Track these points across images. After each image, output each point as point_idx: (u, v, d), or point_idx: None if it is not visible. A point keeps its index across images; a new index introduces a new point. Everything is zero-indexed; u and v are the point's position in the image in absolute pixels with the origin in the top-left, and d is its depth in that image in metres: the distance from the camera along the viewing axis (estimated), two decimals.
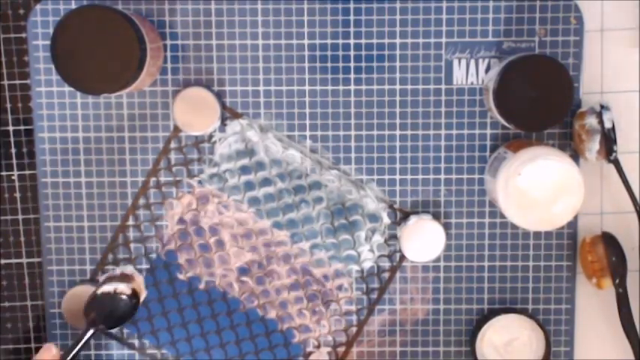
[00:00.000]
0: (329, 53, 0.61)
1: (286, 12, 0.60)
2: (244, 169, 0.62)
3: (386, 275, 0.62)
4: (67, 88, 0.61)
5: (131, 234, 0.62)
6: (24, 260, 0.63)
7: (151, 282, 0.63)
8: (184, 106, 0.60)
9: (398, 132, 0.61)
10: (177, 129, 0.61)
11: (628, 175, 0.61)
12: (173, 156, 0.62)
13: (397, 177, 0.62)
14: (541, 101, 0.56)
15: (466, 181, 0.62)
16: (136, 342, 0.63)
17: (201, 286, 0.62)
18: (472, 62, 0.61)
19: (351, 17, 0.60)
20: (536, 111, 0.56)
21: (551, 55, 0.60)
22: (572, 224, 0.62)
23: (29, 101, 0.62)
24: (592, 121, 0.58)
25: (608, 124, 0.58)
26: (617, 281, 0.60)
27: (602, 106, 0.58)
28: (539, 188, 0.55)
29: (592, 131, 0.58)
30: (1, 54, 0.61)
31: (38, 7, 0.60)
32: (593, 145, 0.59)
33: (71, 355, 0.55)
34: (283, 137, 0.61)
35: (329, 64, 0.61)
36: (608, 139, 0.58)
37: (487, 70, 0.60)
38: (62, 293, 0.62)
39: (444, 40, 0.60)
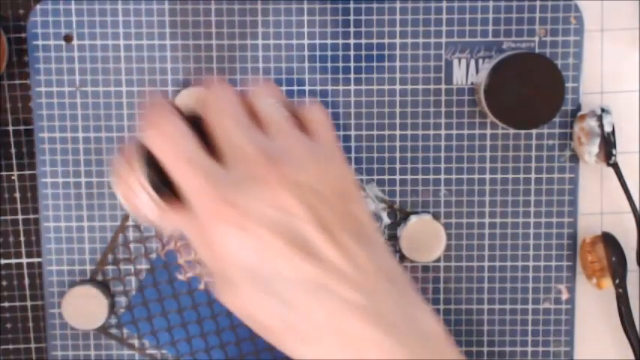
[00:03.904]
0: (329, 53, 0.61)
1: (286, 12, 0.60)
2: None
3: None
4: (66, 88, 0.61)
5: (131, 234, 0.62)
6: (24, 260, 0.63)
7: (150, 282, 0.63)
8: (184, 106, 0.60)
9: (398, 132, 0.61)
10: None
11: (628, 175, 0.61)
12: None
13: (397, 177, 0.62)
14: (532, 99, 0.56)
15: (466, 181, 0.62)
16: (135, 342, 0.63)
17: (201, 286, 0.62)
18: (472, 62, 0.61)
19: (351, 17, 0.60)
20: (528, 109, 0.56)
21: (551, 55, 0.60)
22: (572, 224, 0.62)
23: (29, 101, 0.62)
24: (592, 124, 0.58)
25: (608, 128, 0.58)
26: (617, 281, 0.60)
27: (602, 110, 0.58)
28: None
29: (592, 134, 0.58)
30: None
31: (38, 7, 0.60)
32: (593, 149, 0.59)
33: None
34: None
35: (329, 64, 0.61)
36: (608, 143, 0.58)
37: None
38: (62, 293, 0.62)
39: (444, 40, 0.60)
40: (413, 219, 0.61)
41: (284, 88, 0.61)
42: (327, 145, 0.41)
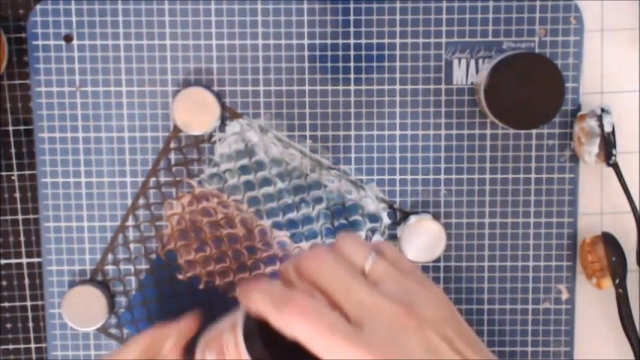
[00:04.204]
0: (329, 53, 0.61)
1: (286, 12, 0.60)
2: (244, 169, 0.62)
3: None
4: (66, 88, 0.61)
5: (131, 234, 0.62)
6: (24, 260, 0.63)
7: (150, 282, 0.63)
8: (184, 106, 0.60)
9: (398, 132, 0.61)
10: (177, 129, 0.61)
11: (628, 175, 0.61)
12: (173, 156, 0.62)
13: (397, 177, 0.62)
14: (532, 99, 0.56)
15: (466, 181, 0.62)
16: None
17: (201, 286, 0.63)
18: (472, 62, 0.61)
19: (351, 17, 0.60)
20: (528, 109, 0.56)
21: (551, 55, 0.60)
22: (572, 224, 0.62)
23: (29, 101, 0.62)
24: (592, 124, 0.58)
25: (608, 128, 0.58)
26: (617, 281, 0.60)
27: (602, 110, 0.58)
28: None
29: (592, 134, 0.58)
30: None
31: (38, 7, 0.60)
32: (593, 149, 0.59)
33: None
34: (283, 137, 0.61)
35: (329, 64, 0.61)
36: (608, 143, 0.58)
37: None
38: (62, 293, 0.62)
39: (444, 40, 0.60)
40: (413, 219, 0.61)
41: (284, 88, 0.61)
42: (417, 273, 0.45)
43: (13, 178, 0.62)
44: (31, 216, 0.63)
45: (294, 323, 0.40)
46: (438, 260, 0.62)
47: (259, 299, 0.42)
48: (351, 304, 0.41)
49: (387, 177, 0.62)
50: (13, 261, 0.63)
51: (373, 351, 0.40)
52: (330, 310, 0.41)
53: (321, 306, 0.41)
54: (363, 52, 0.61)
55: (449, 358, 0.41)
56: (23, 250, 0.63)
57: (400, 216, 0.62)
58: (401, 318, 0.41)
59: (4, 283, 0.63)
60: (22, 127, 0.62)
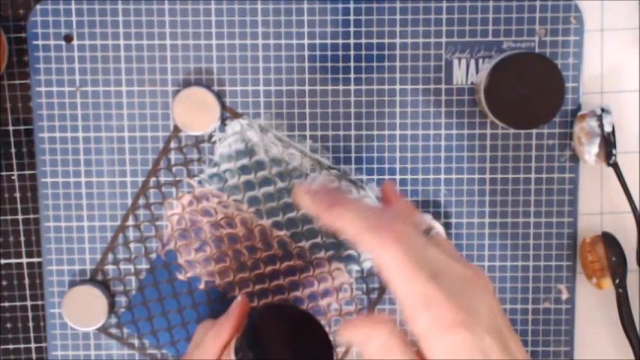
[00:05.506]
0: (329, 53, 0.61)
1: (286, 12, 0.60)
2: (244, 169, 0.62)
3: None
4: (67, 88, 0.61)
5: (131, 234, 0.62)
6: (24, 260, 0.63)
7: (150, 282, 0.63)
8: (184, 106, 0.60)
9: (398, 132, 0.61)
10: (177, 129, 0.61)
11: (628, 175, 0.61)
12: (173, 156, 0.62)
13: (397, 177, 0.62)
14: (532, 99, 0.56)
15: (466, 181, 0.62)
16: (135, 342, 0.63)
17: (201, 286, 0.63)
18: (472, 62, 0.61)
19: (351, 17, 0.60)
20: (528, 109, 0.56)
21: (551, 55, 0.60)
22: (572, 224, 0.62)
23: (29, 101, 0.62)
24: (592, 124, 0.58)
25: (608, 128, 0.58)
26: (617, 281, 0.60)
27: (602, 110, 0.58)
28: None
29: (592, 134, 0.59)
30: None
31: (38, 7, 0.60)
32: (593, 149, 0.59)
33: None
34: (283, 137, 0.61)
35: (329, 64, 0.61)
36: (608, 143, 0.58)
37: None
38: (62, 293, 0.62)
39: (444, 40, 0.60)
40: None
41: (284, 88, 0.61)
42: (448, 247, 0.47)
43: (13, 178, 0.62)
44: (31, 216, 0.63)
45: (387, 247, 0.42)
46: None
47: (352, 221, 0.44)
48: (426, 261, 0.43)
49: (387, 177, 0.62)
50: (13, 261, 0.63)
51: (450, 295, 0.41)
52: (421, 242, 0.43)
53: (416, 234, 0.44)
54: (363, 52, 0.61)
55: (502, 322, 0.43)
56: (23, 250, 0.63)
57: None
58: (471, 277, 0.43)
59: (4, 283, 0.63)
60: (22, 127, 0.62)
